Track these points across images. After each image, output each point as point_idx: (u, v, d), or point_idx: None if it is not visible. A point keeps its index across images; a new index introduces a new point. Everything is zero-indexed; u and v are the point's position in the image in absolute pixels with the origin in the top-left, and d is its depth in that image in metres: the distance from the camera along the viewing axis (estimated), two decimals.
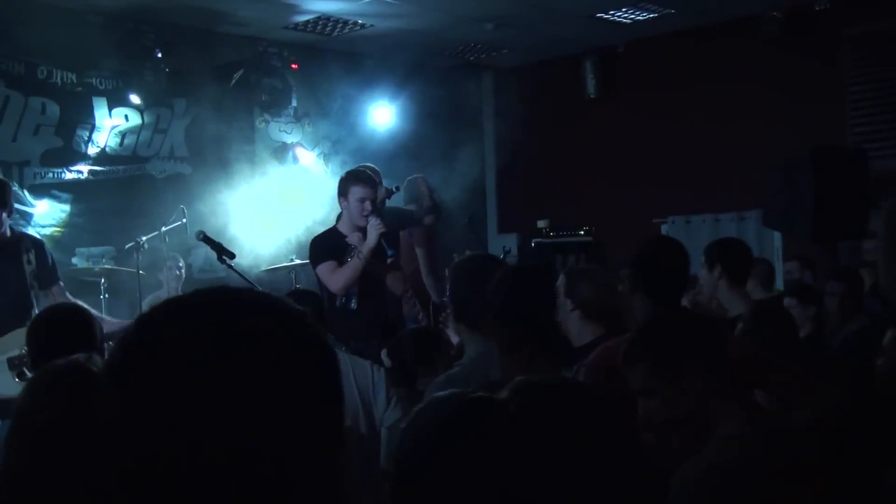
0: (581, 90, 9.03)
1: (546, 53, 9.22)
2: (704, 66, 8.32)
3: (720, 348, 1.92)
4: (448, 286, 2.87)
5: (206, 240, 4.70)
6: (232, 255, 4.61)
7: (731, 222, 8.10)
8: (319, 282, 4.92)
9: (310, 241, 5.05)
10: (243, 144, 8.08)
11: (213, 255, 4.66)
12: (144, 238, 6.14)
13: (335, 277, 4.81)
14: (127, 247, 6.28)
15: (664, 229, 8.51)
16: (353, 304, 4.86)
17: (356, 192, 4.91)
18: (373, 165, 5.61)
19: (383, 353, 3.86)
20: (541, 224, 8.36)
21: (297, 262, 6.99)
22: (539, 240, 8.09)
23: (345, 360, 3.36)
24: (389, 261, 4.99)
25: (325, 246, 4.92)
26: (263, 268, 7.34)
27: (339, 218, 5.07)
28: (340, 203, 4.97)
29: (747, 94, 8.00)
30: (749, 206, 7.85)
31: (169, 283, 6.58)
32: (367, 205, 4.90)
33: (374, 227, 4.83)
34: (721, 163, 8.16)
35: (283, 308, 0.81)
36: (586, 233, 8.35)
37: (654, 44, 8.64)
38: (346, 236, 4.95)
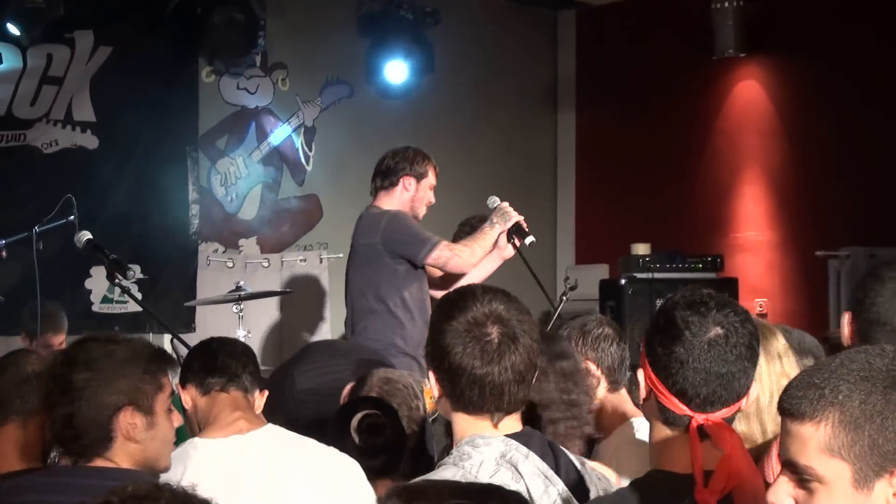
0: (711, 44, 8.94)
1: None
2: None
3: None
4: None
5: (93, 247, 4.76)
6: (125, 271, 4.60)
7: None
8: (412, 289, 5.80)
9: (385, 216, 5.75)
10: (181, 107, 8.10)
11: None
12: (4, 242, 6.16)
13: (468, 251, 5.73)
14: None
15: (832, 267, 8.35)
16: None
17: (432, 177, 5.95)
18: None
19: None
20: (638, 250, 8.27)
21: (246, 291, 6.94)
22: (634, 274, 8.01)
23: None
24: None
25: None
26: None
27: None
28: (404, 183, 5.89)
29: None
30: None
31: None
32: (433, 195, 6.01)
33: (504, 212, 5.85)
34: None
35: None
36: (709, 265, 8.29)
37: None
38: None
